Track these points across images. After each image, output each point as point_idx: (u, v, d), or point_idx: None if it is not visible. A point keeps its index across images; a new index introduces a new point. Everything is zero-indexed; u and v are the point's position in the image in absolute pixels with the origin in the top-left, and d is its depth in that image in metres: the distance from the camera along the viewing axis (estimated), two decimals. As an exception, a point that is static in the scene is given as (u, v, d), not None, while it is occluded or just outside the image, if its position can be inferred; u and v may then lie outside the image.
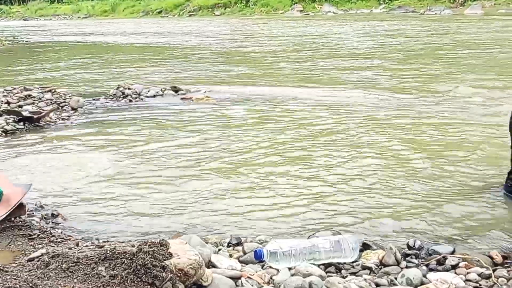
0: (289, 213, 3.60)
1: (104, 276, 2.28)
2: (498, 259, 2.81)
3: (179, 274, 2.32)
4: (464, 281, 2.58)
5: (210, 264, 2.66)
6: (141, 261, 2.30)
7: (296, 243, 2.77)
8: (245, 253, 2.88)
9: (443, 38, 15.51)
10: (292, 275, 2.62)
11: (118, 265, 2.32)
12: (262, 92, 8.26)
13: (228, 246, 3.07)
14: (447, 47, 13.26)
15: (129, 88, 8.33)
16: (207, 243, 3.01)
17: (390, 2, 32.25)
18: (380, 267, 2.77)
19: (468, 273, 2.66)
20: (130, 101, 7.91)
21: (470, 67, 10.00)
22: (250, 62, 12.28)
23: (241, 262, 2.79)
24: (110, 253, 2.39)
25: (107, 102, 7.91)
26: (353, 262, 2.81)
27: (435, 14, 26.31)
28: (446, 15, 25.42)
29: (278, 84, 9.02)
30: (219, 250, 2.99)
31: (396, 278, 2.61)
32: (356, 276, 2.68)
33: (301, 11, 33.74)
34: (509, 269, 2.69)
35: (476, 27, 18.13)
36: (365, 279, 2.61)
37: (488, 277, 2.62)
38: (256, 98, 7.81)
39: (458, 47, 13.13)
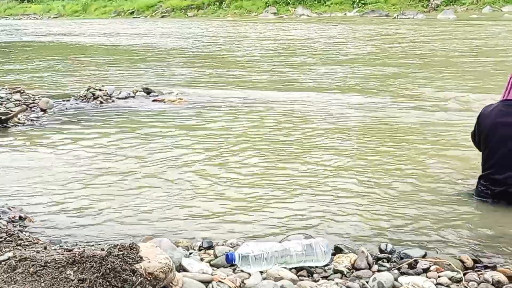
0: (261, 216, 3.58)
1: (73, 280, 2.24)
2: (469, 262, 2.82)
3: (149, 278, 2.29)
4: (435, 285, 2.58)
5: (181, 268, 2.63)
6: (111, 265, 2.26)
7: (267, 246, 2.75)
8: (216, 257, 2.85)
9: (418, 42, 15.63)
10: (264, 278, 2.60)
11: (87, 268, 2.28)
12: (238, 96, 8.24)
13: (199, 249, 3.04)
14: (422, 51, 13.36)
15: (100, 90, 8.24)
16: (178, 246, 2.98)
17: (363, 5, 32.44)
18: (352, 270, 2.76)
19: (439, 276, 2.66)
20: (101, 102, 7.82)
21: (446, 72, 10.09)
22: (226, 65, 12.24)
23: (212, 265, 2.76)
24: (79, 256, 2.34)
25: (77, 103, 7.82)
26: (325, 265, 2.80)
27: (408, 18, 26.53)
28: (419, 19, 25.63)
29: (254, 88, 9.00)
30: (190, 253, 2.95)
31: (367, 282, 2.60)
32: (328, 280, 2.67)
33: (274, 13, 33.79)
34: (479, 272, 2.70)
35: (450, 31, 18.29)
36: (336, 283, 2.59)
37: (458, 280, 2.62)
38: (231, 102, 7.79)
39: (434, 51, 13.24)
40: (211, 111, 7.16)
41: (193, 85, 9.42)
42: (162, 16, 38.74)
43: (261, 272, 2.65)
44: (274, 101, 7.72)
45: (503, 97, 3.67)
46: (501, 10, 27.86)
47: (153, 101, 7.96)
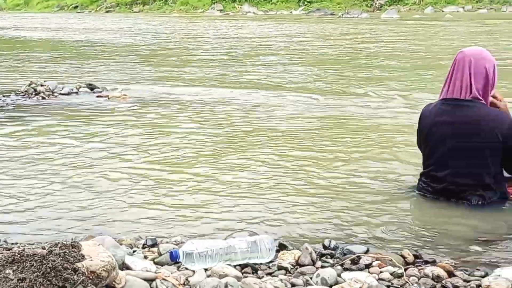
0: (206, 214, 3.57)
1: (12, 280, 2.19)
2: (410, 258, 2.88)
3: (91, 277, 2.25)
4: (377, 280, 2.62)
5: (124, 266, 2.59)
6: (51, 264, 2.21)
7: (212, 243, 2.75)
8: (160, 255, 2.83)
9: (363, 41, 15.83)
10: (208, 276, 2.59)
11: (26, 268, 2.23)
12: (184, 92, 8.19)
13: (143, 247, 3.01)
14: (367, 50, 13.54)
15: (42, 85, 8.08)
16: (121, 244, 2.95)
17: (309, 4, 32.68)
18: (296, 267, 2.78)
19: (381, 272, 2.70)
20: (43, 98, 7.66)
21: (391, 71, 10.24)
22: (174, 62, 12.14)
23: (156, 263, 2.74)
24: (19, 255, 2.29)
25: (18, 99, 7.64)
26: (269, 262, 2.81)
27: (353, 17, 26.85)
28: (363, 19, 25.97)
29: (202, 85, 8.94)
30: (134, 251, 2.92)
31: (311, 278, 2.62)
32: (272, 276, 2.67)
33: (221, 10, 33.73)
34: (420, 268, 2.75)
35: (393, 30, 18.58)
36: (281, 280, 2.61)
37: (400, 276, 2.67)
38: (176, 98, 7.74)
39: (378, 50, 13.43)
40: (155, 107, 7.11)
41: (139, 82, 9.33)
42: (107, 11, 38.23)
43: (206, 270, 2.64)
44: (222, 98, 7.70)
45: (441, 96, 3.74)
46: (443, 11, 28.48)
47: (97, 97, 7.85)
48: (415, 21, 23.22)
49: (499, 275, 2.60)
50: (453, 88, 3.65)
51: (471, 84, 3.59)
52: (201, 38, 17.57)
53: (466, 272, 2.70)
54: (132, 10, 37.51)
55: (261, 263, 2.78)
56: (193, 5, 36.13)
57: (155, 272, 2.57)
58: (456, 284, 2.58)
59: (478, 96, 3.60)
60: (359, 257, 2.84)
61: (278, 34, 18.43)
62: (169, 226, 3.39)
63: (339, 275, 2.64)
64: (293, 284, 2.57)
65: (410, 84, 8.75)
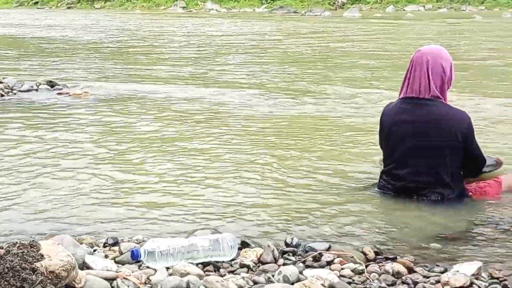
0: (168, 212, 3.55)
1: (-32, 281, 2.15)
2: (371, 255, 2.90)
3: (50, 277, 2.22)
4: (338, 277, 2.64)
5: (84, 266, 2.56)
6: (9, 264, 2.18)
7: (174, 242, 2.73)
8: (121, 253, 2.80)
9: (325, 39, 15.91)
10: (170, 274, 2.57)
11: (-17, 268, 2.19)
12: (147, 90, 8.12)
13: (104, 246, 2.98)
14: (328, 48, 13.61)
15: (0, 82, 7.93)
16: (81, 243, 2.91)
17: (272, 2, 32.74)
18: (258, 265, 2.78)
19: (342, 269, 2.72)
20: (2, 95, 7.52)
21: (349, 68, 10.32)
22: (138, 59, 12.02)
23: (117, 262, 2.71)
24: (-25, 256, 2.25)
25: (-26, 96, 7.49)
26: (231, 260, 2.80)
27: (316, 15, 26.98)
28: (326, 17, 26.12)
29: (165, 83, 8.88)
30: (95, 250, 2.89)
31: (273, 276, 2.63)
32: (234, 274, 2.68)
33: (183, 7, 33.57)
34: (380, 264, 2.78)
35: (363, 29, 18.69)
36: (243, 277, 2.61)
37: (361, 272, 2.69)
38: (139, 96, 7.67)
39: (338, 48, 13.52)
40: (116, 105, 7.04)
41: (102, 79, 9.23)
42: (68, 7, 37.75)
43: (167, 268, 2.63)
44: (189, 97, 7.65)
45: (401, 94, 3.78)
46: (404, 10, 28.79)
47: (58, 94, 7.74)
48: (379, 19, 23.42)
49: (458, 271, 2.65)
50: (412, 87, 3.68)
51: (429, 82, 3.63)
52: (168, 36, 17.43)
53: (425, 268, 2.73)
54: (94, 7, 37.11)
55: (223, 261, 2.78)
56: (156, 2, 35.90)
57: (116, 271, 2.55)
58: (416, 280, 2.61)
59: (438, 95, 3.64)
60: (321, 254, 2.86)
61: (248, 32, 18.37)
62: (131, 224, 3.36)
63: (301, 273, 2.65)
64: (255, 282, 2.58)
65: (374, 82, 8.83)
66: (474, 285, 2.56)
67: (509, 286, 2.55)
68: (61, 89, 8.01)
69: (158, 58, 12.24)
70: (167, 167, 4.48)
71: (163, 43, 15.14)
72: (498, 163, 4.07)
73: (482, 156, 3.76)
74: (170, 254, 2.67)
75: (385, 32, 17.86)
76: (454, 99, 6.71)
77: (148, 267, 2.64)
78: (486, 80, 8.86)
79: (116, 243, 2.99)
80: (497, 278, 2.64)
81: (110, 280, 2.46)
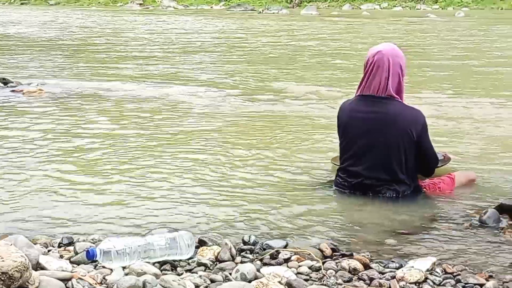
0: (125, 211, 3.52)
1: None
2: (328, 251, 2.92)
3: (3, 278, 2.18)
4: (295, 274, 2.65)
5: (38, 266, 2.52)
6: (-40, 266, 2.13)
7: (130, 241, 2.71)
8: (76, 253, 2.77)
9: (281, 37, 15.95)
10: (126, 274, 2.55)
11: None
12: (103, 87, 8.02)
13: (59, 246, 2.94)
14: (286, 46, 13.65)
15: (-48, 79, 7.76)
16: (35, 244, 2.86)
17: (229, -1, 32.71)
18: (215, 263, 2.78)
19: (299, 266, 2.74)
20: (-46, 93, 7.36)
21: (305, 66, 10.36)
22: (98, 57, 11.84)
23: (72, 262, 2.67)
24: None
25: None
26: (189, 259, 2.79)
27: (273, 13, 27.05)
28: (283, 15, 26.21)
29: (122, 80, 8.78)
30: (49, 251, 2.85)
31: (231, 274, 2.62)
32: (192, 273, 2.66)
33: (140, 4, 33.29)
34: (337, 261, 2.80)
35: (329, 27, 18.73)
36: (200, 276, 2.60)
37: (318, 269, 2.71)
38: (94, 93, 7.58)
39: (296, 46, 13.56)
40: (72, 103, 6.95)
41: (58, 77, 9.09)
42: (22, 3, 37.07)
43: (124, 268, 2.60)
44: (144, 94, 7.59)
45: (358, 92, 3.82)
46: (360, 8, 29.07)
47: (12, 91, 7.60)
48: (336, 17, 23.57)
49: (412, 267, 2.69)
50: (370, 85, 3.72)
51: (387, 82, 3.67)
52: (129, 33, 17.16)
53: (381, 264, 2.77)
54: (48, 3, 36.52)
55: (180, 260, 2.77)
56: (112, -1, 35.52)
57: (71, 272, 2.52)
58: (371, 276, 2.64)
59: (393, 94, 3.69)
60: (278, 252, 2.87)
61: (212, 30, 18.20)
62: (86, 224, 3.32)
63: (258, 270, 2.65)
64: (212, 280, 2.57)
65: (325, 79, 8.88)
66: (428, 280, 2.61)
67: (462, 280, 2.60)
68: (15, 86, 7.87)
69: (119, 56, 12.09)
70: (123, 166, 4.44)
71: (125, 41, 14.93)
72: (446, 159, 4.16)
73: (435, 155, 3.84)
74: (126, 253, 2.64)
75: (350, 30, 17.92)
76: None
77: (104, 267, 2.61)
78: (466, 79, 9.00)
79: (71, 243, 2.95)
80: (451, 273, 2.69)
81: (65, 280, 2.42)
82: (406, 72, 3.79)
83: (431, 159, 3.83)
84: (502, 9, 27.17)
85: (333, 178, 3.96)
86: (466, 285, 2.57)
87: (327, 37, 15.88)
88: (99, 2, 35.44)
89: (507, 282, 2.58)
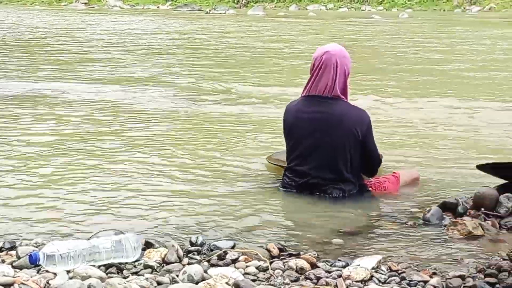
0: (68, 214, 3.46)
1: None
2: (275, 251, 2.93)
3: None
4: (243, 275, 2.65)
5: (-21, 272, 2.46)
6: None
7: (75, 244, 2.67)
8: (19, 258, 2.71)
9: (229, 37, 15.91)
10: (71, 278, 2.51)
11: None
12: (56, 89, 7.84)
13: (1, 251, 2.87)
14: (233, 47, 13.63)
15: None
16: (-25, 249, 2.79)
17: (176, -1, 32.52)
18: (162, 265, 2.76)
19: (247, 266, 2.74)
20: None
21: (255, 67, 10.36)
22: (49, 58, 11.54)
23: (14, 267, 2.61)
24: None
25: None
26: (135, 261, 2.76)
27: (220, 13, 27.03)
28: (230, 15, 26.20)
29: (75, 83, 8.59)
30: (-10, 256, 2.78)
31: (178, 275, 2.61)
32: (138, 275, 2.64)
33: (85, 4, 32.82)
34: (284, 260, 2.81)
35: (289, 28, 18.69)
36: (146, 278, 2.57)
37: (265, 269, 2.72)
38: (46, 95, 7.43)
39: (242, 47, 13.56)
40: (13, 103, 6.78)
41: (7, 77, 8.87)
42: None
43: (68, 272, 2.56)
44: (95, 96, 7.45)
45: (304, 92, 3.84)
46: (306, 9, 29.30)
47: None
48: (284, 18, 23.67)
49: (359, 265, 2.72)
50: (316, 86, 3.75)
51: (334, 83, 3.71)
52: (82, 33, 16.63)
53: (328, 263, 2.79)
54: (-10, 1, 35.65)
55: (126, 263, 2.74)
56: (56, -3, 34.90)
57: (13, 277, 2.46)
58: (318, 275, 2.66)
59: (340, 94, 3.73)
60: (225, 253, 2.86)
61: (171, 31, 17.82)
62: (29, 227, 3.24)
63: (205, 271, 2.64)
64: (159, 283, 2.55)
65: (271, 80, 8.90)
66: (374, 278, 2.64)
67: (406, 278, 2.65)
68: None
69: (76, 57, 11.75)
70: (67, 168, 4.36)
71: (79, 42, 14.43)
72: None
73: (378, 155, 3.90)
74: (70, 257, 2.60)
75: (312, 32, 17.84)
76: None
77: (47, 271, 2.57)
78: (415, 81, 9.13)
79: (13, 247, 2.89)
80: (396, 271, 2.73)
81: (7, 286, 2.38)
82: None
83: (375, 159, 3.89)
84: (444, 10, 27.77)
85: (281, 178, 3.98)
86: (411, 282, 2.62)
87: (293, 38, 15.78)
88: (42, 1, 34.78)
89: (450, 278, 2.63)
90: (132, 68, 10.14)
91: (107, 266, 2.68)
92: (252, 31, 17.93)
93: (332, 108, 3.73)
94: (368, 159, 3.84)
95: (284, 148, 3.99)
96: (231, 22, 21.40)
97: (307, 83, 3.80)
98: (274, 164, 4.33)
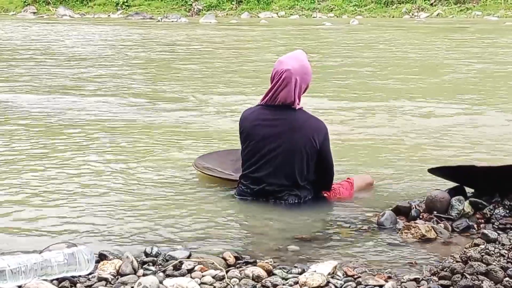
0: (18, 227, 3.38)
1: None
2: (231, 260, 2.92)
3: None
4: (199, 284, 2.63)
5: None
6: None
7: (26, 258, 2.61)
8: (-32, 274, 2.63)
9: (180, 45, 15.81)
10: (22, 293, 2.45)
11: None
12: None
13: (-51, 267, 2.78)
14: (185, 55, 13.56)
15: None
16: None
17: (127, 7, 32.25)
18: (117, 277, 2.72)
19: (203, 276, 2.72)
20: None
21: (208, 74, 10.32)
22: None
23: (-37, 284, 2.54)
24: None
25: None
26: (89, 274, 2.72)
27: (172, 21, 26.89)
28: (183, 23, 26.10)
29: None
30: None
31: (133, 287, 2.57)
32: (92, 288, 2.60)
33: (34, 13, 32.29)
34: (241, 269, 2.80)
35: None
36: (100, 291, 2.53)
37: (222, 278, 2.70)
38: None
39: (194, 55, 13.50)
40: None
41: None
42: None
43: (20, 287, 2.50)
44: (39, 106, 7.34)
45: (263, 101, 3.84)
46: (258, 16, 29.39)
47: None
48: (235, 25, 23.68)
49: (315, 271, 2.72)
50: (276, 98, 3.75)
51: (294, 96, 3.73)
52: (43, 44, 15.97)
53: (284, 270, 2.79)
54: None
55: (80, 276, 2.69)
56: (4, 7, 34.25)
57: (-39, 294, 2.39)
58: (275, 282, 2.65)
59: (298, 104, 3.76)
60: (181, 263, 2.84)
61: (141, 39, 17.37)
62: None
63: (161, 282, 2.62)
64: (114, 295, 2.51)
65: (228, 88, 8.89)
66: (330, 284, 2.65)
67: (362, 282, 2.66)
68: None
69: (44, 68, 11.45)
70: (15, 179, 4.26)
71: (48, 53, 13.95)
72: None
73: (333, 166, 3.89)
74: (21, 271, 2.54)
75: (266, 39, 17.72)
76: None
77: (-2, 287, 2.50)
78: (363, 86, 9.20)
79: (-39, 263, 2.80)
80: (352, 276, 2.75)
81: (-45, 304, 2.30)
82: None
83: (330, 171, 3.88)
84: (393, 17, 28.18)
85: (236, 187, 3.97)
86: (367, 287, 2.63)
87: (264, 45, 15.75)
88: (-11, 11, 34.07)
89: (404, 282, 2.66)
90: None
91: (60, 280, 2.63)
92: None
93: (291, 116, 3.74)
94: (325, 171, 3.84)
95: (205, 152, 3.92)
96: (185, 31, 21.28)
97: (267, 93, 3.80)
98: (201, 172, 4.31)
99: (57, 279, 2.63)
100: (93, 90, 8.63)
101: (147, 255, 2.98)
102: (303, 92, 3.82)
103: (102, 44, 15.47)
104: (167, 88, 8.85)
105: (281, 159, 3.74)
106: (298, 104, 3.76)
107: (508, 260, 2.76)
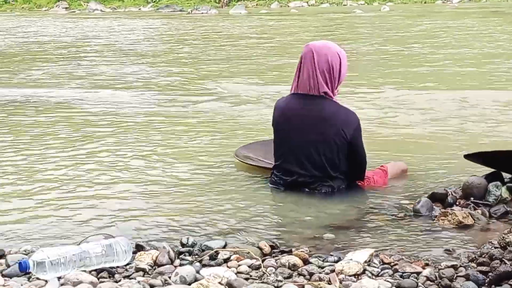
0: (57, 220, 3.43)
1: None
2: (267, 249, 2.92)
3: None
4: (235, 274, 2.64)
5: (-31, 282, 2.44)
6: None
7: (65, 250, 2.64)
8: (8, 266, 2.68)
9: (214, 36, 15.79)
10: (62, 284, 2.50)
11: None
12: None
13: (-10, 260, 2.84)
14: (220, 45, 13.52)
15: None
16: (-36, 259, 2.76)
17: (158, 0, 32.39)
18: (154, 267, 2.74)
19: (239, 265, 2.73)
20: None
21: (239, 65, 10.31)
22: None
23: (4, 276, 2.59)
24: None
25: None
26: (126, 265, 2.75)
27: (202, 13, 26.95)
28: (213, 15, 26.14)
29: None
30: (-21, 265, 2.75)
31: (170, 277, 2.59)
32: (130, 279, 2.62)
33: (66, 8, 32.62)
34: (276, 258, 2.81)
35: (245, 25, 18.60)
36: (138, 281, 2.56)
37: (258, 267, 2.71)
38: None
39: (229, 45, 13.46)
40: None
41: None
42: None
43: (59, 278, 2.54)
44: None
45: (292, 90, 3.82)
46: (288, 6, 29.29)
47: None
48: (263, 15, 23.62)
49: (351, 259, 2.71)
50: (301, 83, 3.72)
51: (317, 80, 3.66)
52: (89, 40, 16.00)
53: (320, 259, 2.78)
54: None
55: (118, 267, 2.72)
56: (37, 3, 34.66)
57: (3, 286, 2.44)
58: (311, 271, 2.65)
59: (327, 91, 3.69)
60: (217, 252, 2.85)
61: (172, 34, 17.44)
62: (17, 235, 3.21)
63: (198, 272, 2.63)
64: (151, 285, 2.53)
65: (255, 77, 8.87)
66: (367, 272, 2.64)
67: (399, 270, 2.64)
68: None
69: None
70: (54, 174, 4.32)
71: (95, 49, 13.94)
72: None
73: (365, 158, 3.84)
74: (61, 263, 2.57)
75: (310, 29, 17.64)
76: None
77: (38, 279, 2.55)
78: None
79: (2, 255, 2.85)
80: (388, 263, 2.73)
81: (-2, 295, 2.35)
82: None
83: (362, 163, 3.83)
84: (425, 2, 27.86)
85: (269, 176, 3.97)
86: (404, 274, 2.61)
87: (256, 35, 15.73)
88: (22, 8, 34.52)
89: (442, 268, 2.63)
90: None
91: (98, 271, 2.66)
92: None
93: (319, 106, 3.69)
94: (355, 162, 3.80)
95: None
96: (217, 22, 21.28)
97: (294, 81, 3.78)
98: (242, 161, 4.31)
99: (95, 270, 2.66)
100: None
101: (183, 245, 3.00)
102: (338, 82, 3.73)
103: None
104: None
105: (309, 150, 3.70)
106: (329, 93, 3.69)
107: (548, 245, 2.72)
